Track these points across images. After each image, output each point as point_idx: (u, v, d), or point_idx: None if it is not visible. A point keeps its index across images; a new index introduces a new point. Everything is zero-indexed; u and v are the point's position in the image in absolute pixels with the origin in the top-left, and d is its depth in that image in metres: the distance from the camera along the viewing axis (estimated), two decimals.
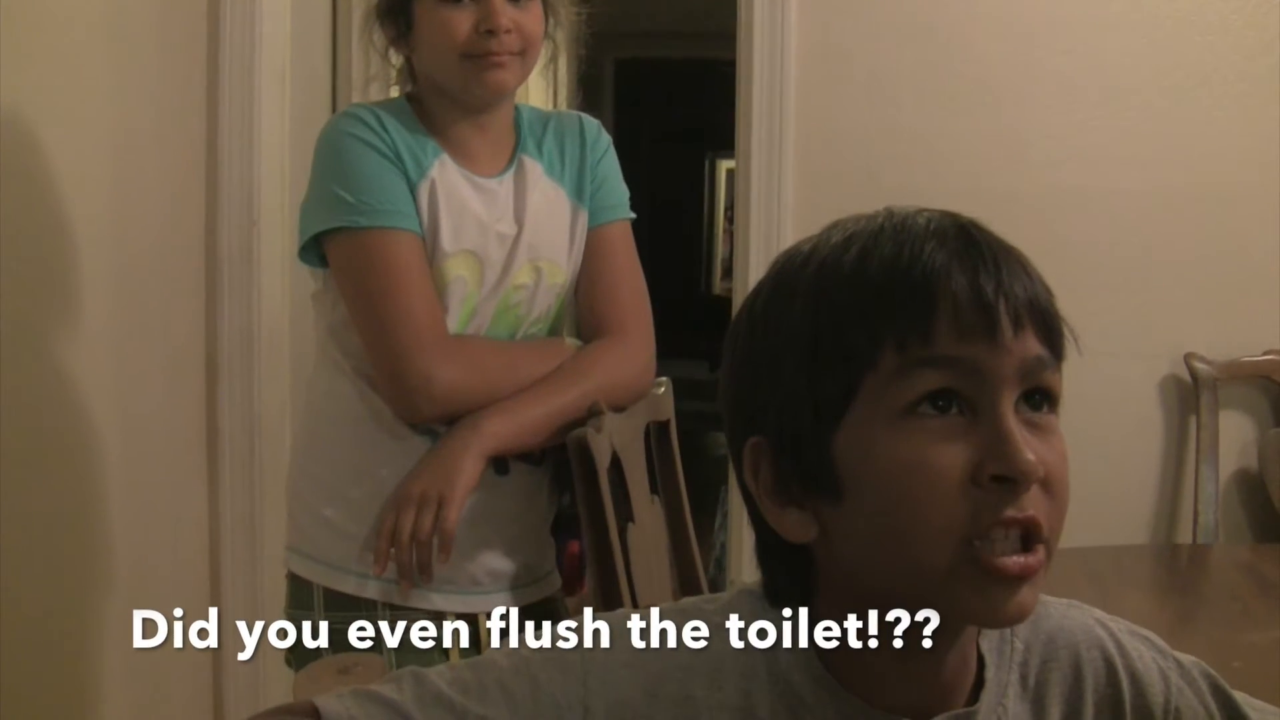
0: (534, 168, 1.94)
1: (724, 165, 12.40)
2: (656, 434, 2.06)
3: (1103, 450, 2.85)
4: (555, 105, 6.05)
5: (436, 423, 1.83)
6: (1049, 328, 0.93)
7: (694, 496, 2.16)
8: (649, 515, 1.93)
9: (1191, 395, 2.89)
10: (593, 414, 1.75)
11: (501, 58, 1.82)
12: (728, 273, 12.71)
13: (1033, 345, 0.91)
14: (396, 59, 1.97)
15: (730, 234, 12.77)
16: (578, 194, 1.97)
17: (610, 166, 2.03)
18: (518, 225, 1.89)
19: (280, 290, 2.94)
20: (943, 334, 0.89)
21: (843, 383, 0.90)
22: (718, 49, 8.82)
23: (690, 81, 10.46)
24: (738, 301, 2.88)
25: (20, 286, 2.15)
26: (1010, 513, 0.86)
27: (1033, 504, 0.87)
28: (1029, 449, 0.88)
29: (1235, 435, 2.92)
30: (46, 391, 2.26)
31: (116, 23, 2.48)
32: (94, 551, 2.42)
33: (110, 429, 2.45)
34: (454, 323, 1.85)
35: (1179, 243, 2.92)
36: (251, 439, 2.87)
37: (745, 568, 3.01)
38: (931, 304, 0.89)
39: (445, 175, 1.86)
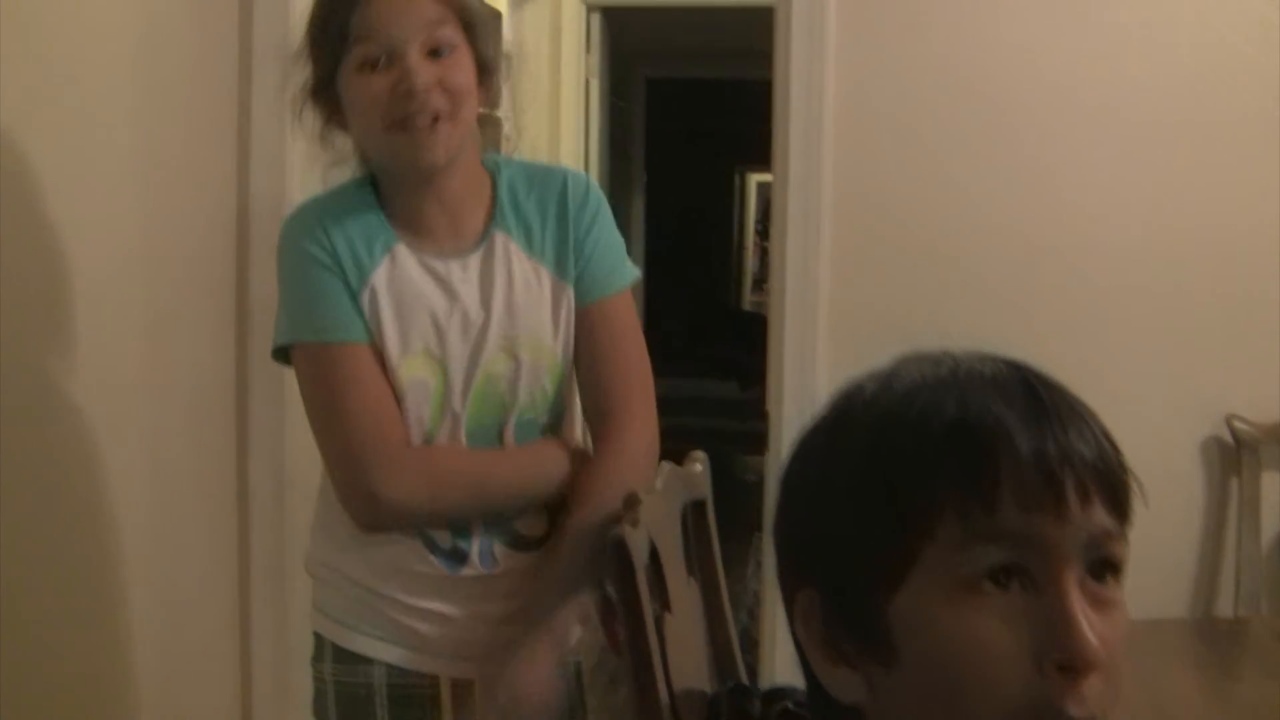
0: (507, 244, 1.84)
1: (754, 178, 12.40)
2: (693, 513, 2.03)
3: (1140, 514, 2.80)
4: (587, 125, 6.07)
5: (391, 531, 1.80)
6: (1117, 494, 0.90)
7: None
8: (685, 599, 1.90)
9: (1233, 457, 2.84)
10: (629, 504, 1.72)
11: (423, 121, 1.71)
12: (757, 286, 12.70)
13: (1100, 517, 0.88)
14: (342, 139, 1.85)
15: (760, 247, 12.76)
16: (560, 270, 1.86)
17: (601, 233, 1.91)
18: (485, 312, 1.81)
19: None
20: (1006, 504, 0.86)
21: (901, 549, 0.88)
22: (747, 68, 8.83)
23: (720, 98, 10.45)
24: (768, 317, 2.89)
25: (45, 324, 2.14)
26: (1071, 710, 0.84)
27: (1092, 692, 0.85)
28: (1092, 632, 0.85)
29: (1278, 499, 2.87)
30: (68, 432, 2.24)
31: (146, 52, 2.46)
32: (121, 604, 2.40)
33: (138, 472, 2.44)
34: (424, 426, 1.80)
35: (1222, 298, 2.87)
36: (281, 488, 2.85)
37: (778, 624, 2.98)
38: (995, 472, 0.86)
39: (396, 271, 1.78)
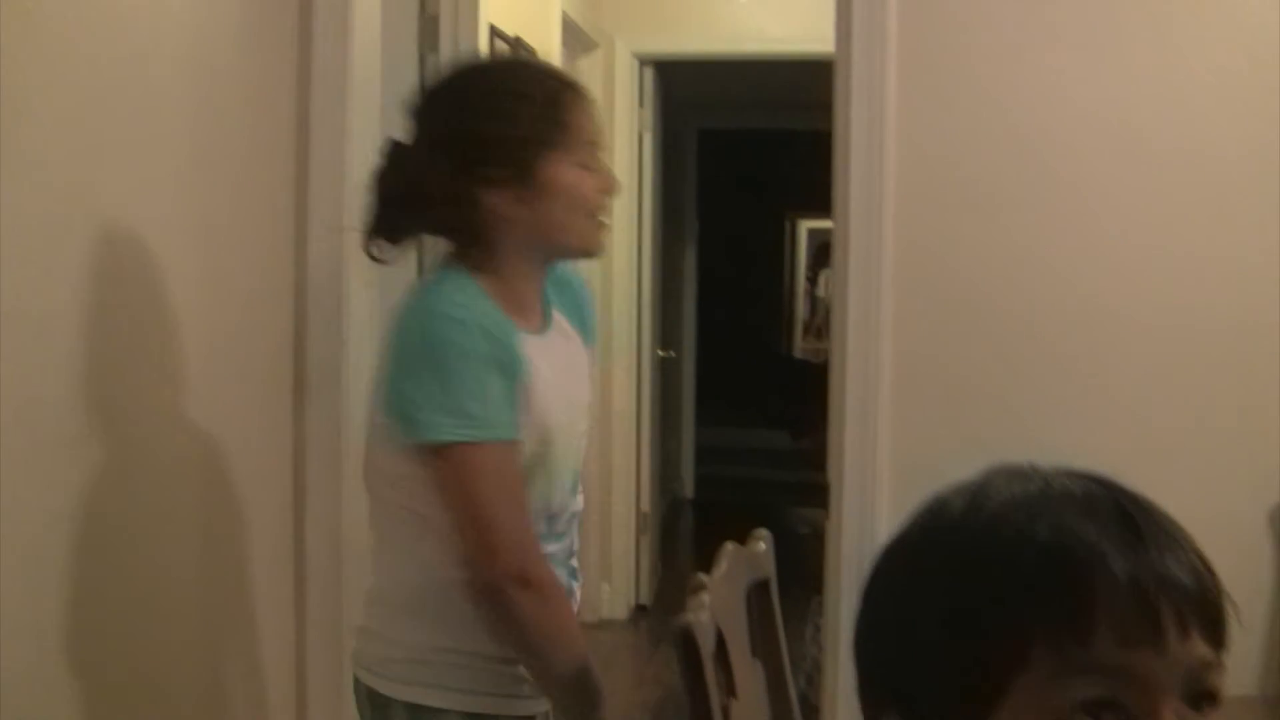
0: (561, 320, 2.06)
1: (805, 224, 12.38)
2: (757, 594, 2.01)
3: None
4: (641, 177, 6.08)
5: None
6: (1215, 622, 0.87)
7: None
8: (750, 682, 1.88)
9: None
10: (694, 590, 1.71)
11: (608, 218, 1.99)
12: (808, 332, 12.67)
13: (1199, 648, 0.85)
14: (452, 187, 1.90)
15: (811, 294, 12.73)
16: (587, 336, 2.12)
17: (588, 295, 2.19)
18: (580, 383, 2.06)
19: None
20: (1102, 636, 0.83)
21: (991, 679, 0.85)
22: (797, 118, 8.85)
23: (770, 147, 10.46)
24: (829, 370, 2.87)
25: (101, 398, 2.14)
26: None
27: None
28: None
29: None
30: (124, 505, 2.24)
31: (205, 107, 2.47)
32: (177, 679, 2.40)
33: (193, 545, 2.43)
34: (549, 492, 1.95)
35: None
36: (338, 556, 2.84)
37: (839, 690, 2.94)
38: (1090, 603, 0.83)
39: (531, 357, 1.89)
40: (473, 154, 1.88)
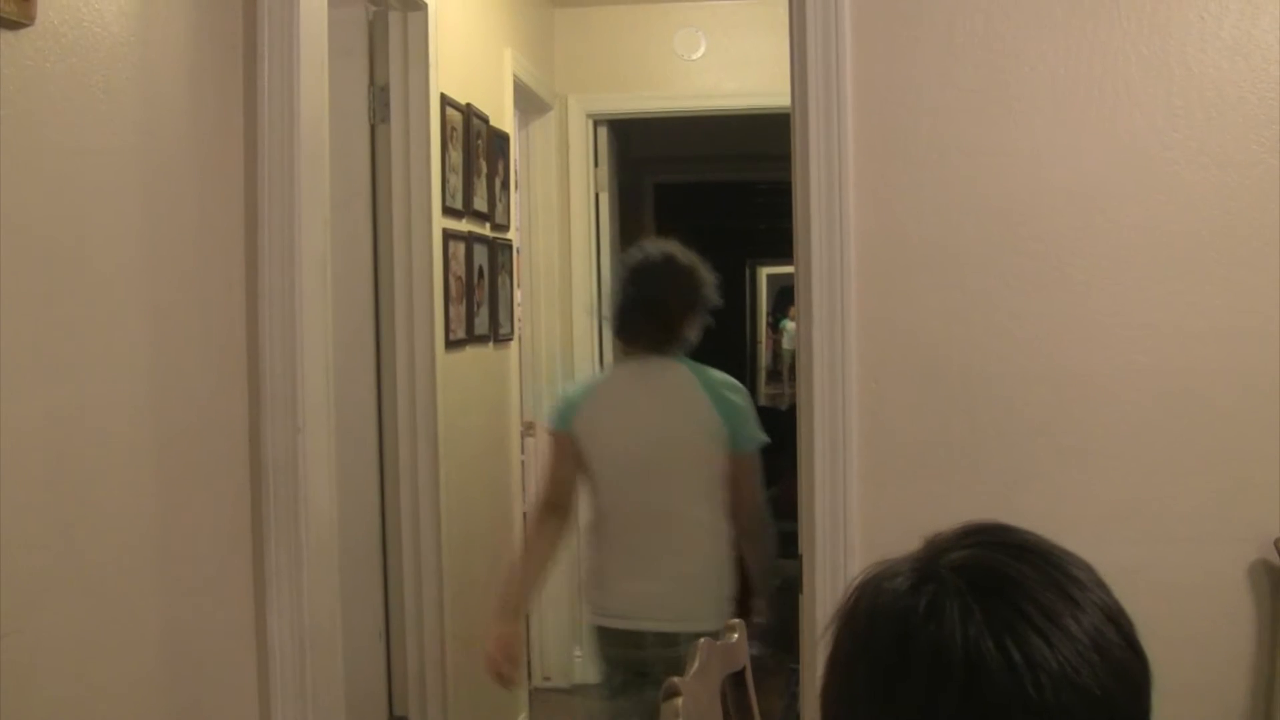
0: None
1: (764, 270, 12.39)
2: (732, 684, 1.96)
3: (1189, 642, 2.72)
4: (598, 235, 6.05)
5: None
6: (1087, 695, 0.90)
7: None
8: None
9: None
10: (668, 694, 1.65)
11: None
12: (770, 377, 12.66)
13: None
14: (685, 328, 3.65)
15: (773, 340, 12.73)
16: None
17: None
18: None
19: (328, 498, 2.85)
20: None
21: None
22: (752, 171, 8.83)
23: (727, 199, 10.47)
24: (789, 409, 2.89)
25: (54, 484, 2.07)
26: None
27: None
28: None
29: None
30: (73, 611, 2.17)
31: (151, 193, 2.42)
32: None
33: (151, 639, 2.36)
34: None
35: (1263, 420, 2.78)
36: (302, 642, 2.77)
37: None
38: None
39: None
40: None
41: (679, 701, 1.63)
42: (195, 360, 2.58)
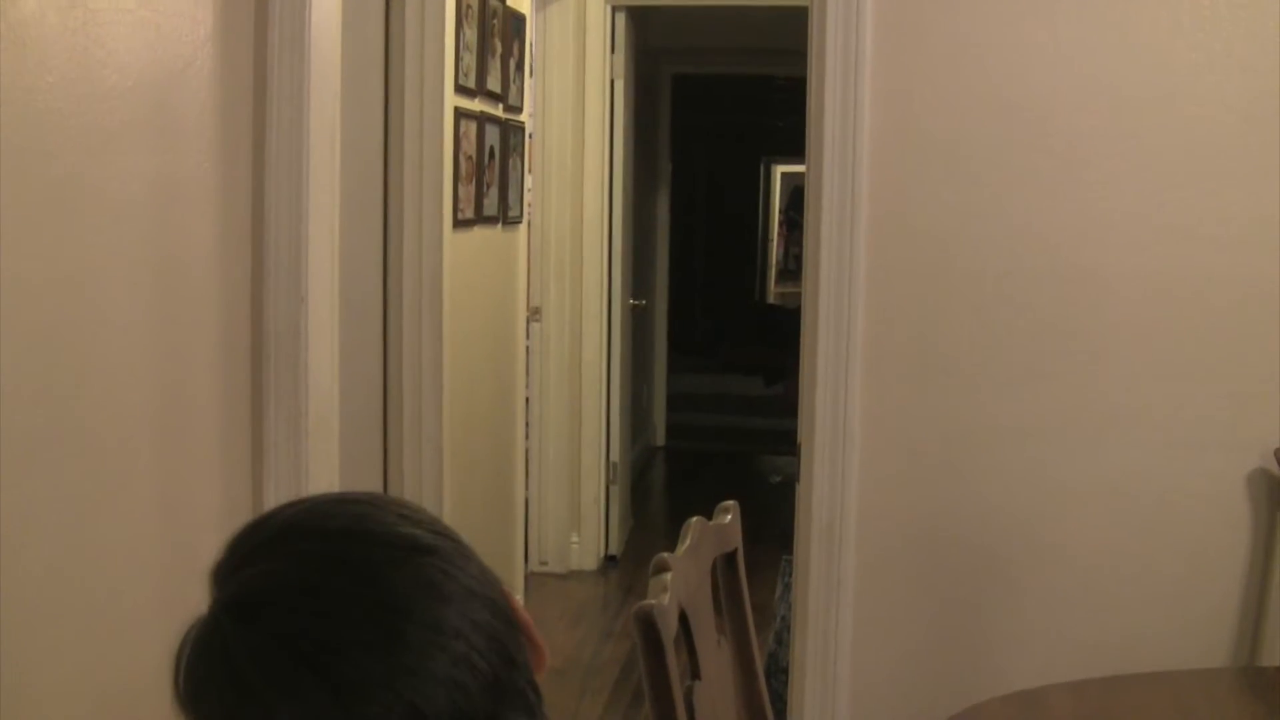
0: None
1: (779, 169, 12.29)
2: (724, 566, 1.95)
3: (1187, 547, 2.73)
4: (612, 124, 5.99)
5: None
6: None
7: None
8: (715, 662, 1.83)
9: None
10: (657, 570, 1.64)
11: None
12: (782, 278, 12.61)
13: None
14: None
15: (785, 239, 12.66)
16: None
17: None
18: None
19: (329, 371, 2.85)
20: None
21: None
22: (770, 65, 8.73)
23: (745, 93, 10.36)
24: (801, 320, 2.83)
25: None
26: None
27: None
28: None
29: None
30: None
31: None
32: None
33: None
34: None
35: (1272, 332, 2.76)
36: None
37: (807, 649, 2.89)
38: None
39: None
40: None
41: (667, 577, 1.63)
42: (199, 225, 2.56)
